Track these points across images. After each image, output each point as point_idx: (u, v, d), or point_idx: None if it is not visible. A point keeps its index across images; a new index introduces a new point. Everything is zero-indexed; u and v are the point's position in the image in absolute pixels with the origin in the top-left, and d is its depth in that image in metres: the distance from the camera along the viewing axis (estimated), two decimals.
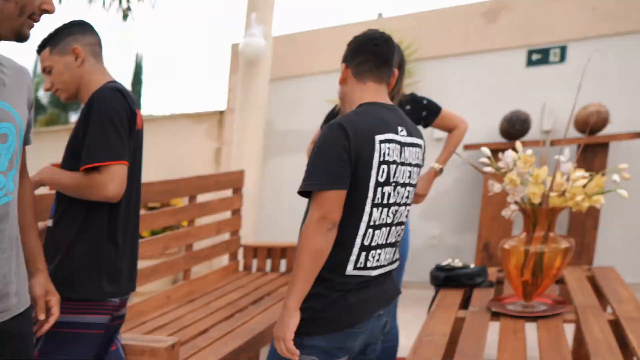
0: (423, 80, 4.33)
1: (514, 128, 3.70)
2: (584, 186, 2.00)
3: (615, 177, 2.05)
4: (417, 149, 1.73)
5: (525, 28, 4.14)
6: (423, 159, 1.78)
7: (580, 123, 3.73)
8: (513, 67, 4.16)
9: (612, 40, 3.99)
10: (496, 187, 2.08)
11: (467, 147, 3.76)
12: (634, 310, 2.17)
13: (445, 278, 2.69)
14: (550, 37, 4.09)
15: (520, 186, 2.00)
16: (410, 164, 1.69)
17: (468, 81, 4.30)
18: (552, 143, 3.72)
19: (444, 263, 2.77)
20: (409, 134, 1.69)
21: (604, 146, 3.71)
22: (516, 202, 2.06)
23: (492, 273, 2.86)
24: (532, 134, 4.07)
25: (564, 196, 1.98)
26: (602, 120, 3.67)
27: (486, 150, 2.15)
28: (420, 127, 2.36)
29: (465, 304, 2.47)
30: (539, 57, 4.13)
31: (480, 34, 4.24)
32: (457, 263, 2.76)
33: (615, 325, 2.06)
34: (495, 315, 2.24)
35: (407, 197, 1.72)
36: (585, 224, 3.75)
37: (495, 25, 4.20)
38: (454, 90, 4.32)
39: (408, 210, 1.77)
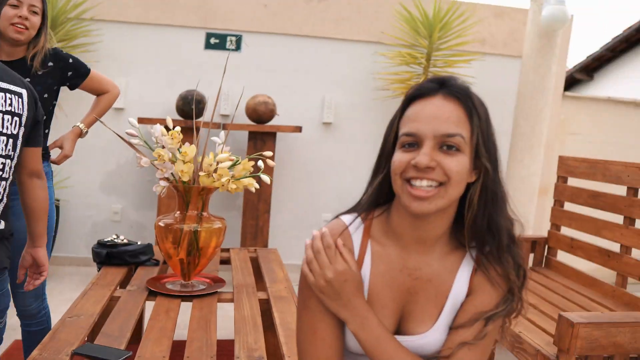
0: (101, 43, 4.07)
1: (189, 107, 3.68)
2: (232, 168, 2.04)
3: (260, 163, 2.14)
4: (11, 95, 1.60)
5: (204, 11, 4.20)
6: (24, 109, 1.65)
7: (250, 111, 3.90)
8: (192, 47, 4.19)
9: (282, 38, 4.30)
10: (143, 161, 1.99)
11: (141, 121, 3.63)
12: (284, 289, 2.31)
13: (107, 255, 2.52)
14: (228, 24, 4.22)
15: (169, 163, 1.95)
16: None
17: (148, 53, 4.17)
18: (224, 127, 3.83)
19: (108, 239, 2.59)
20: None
21: (272, 135, 3.95)
22: (167, 179, 2.00)
23: None
24: (214, 117, 4.15)
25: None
26: (269, 112, 3.90)
27: (133, 121, 2.04)
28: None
29: (127, 283, 2.34)
30: (217, 41, 4.22)
31: (160, 7, 4.15)
32: (122, 239, 2.62)
33: (267, 304, 2.16)
34: (153, 295, 2.16)
35: (3, 149, 1.57)
36: (259, 207, 3.94)
37: (177, 1, 4.16)
38: (133, 59, 4.16)
39: (10, 167, 1.62)
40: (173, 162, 1.95)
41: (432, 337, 1.09)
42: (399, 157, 1.02)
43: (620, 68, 10.80)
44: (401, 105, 1.07)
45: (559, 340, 1.74)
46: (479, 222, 1.05)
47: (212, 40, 4.19)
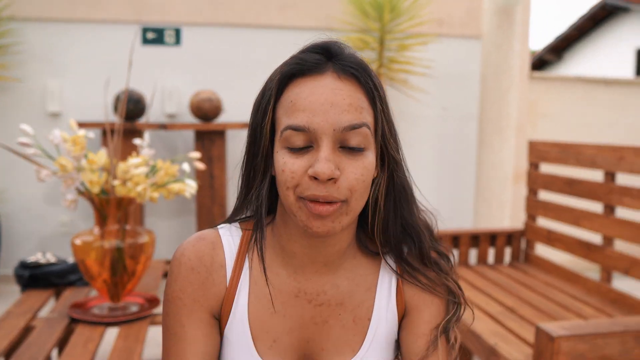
0: (24, 43, 3.73)
1: (128, 108, 3.38)
2: (148, 175, 1.75)
3: (185, 166, 1.87)
4: None
5: (138, 3, 3.88)
6: None
7: (195, 109, 3.61)
8: (128, 43, 3.85)
9: (225, 29, 4.01)
10: (43, 174, 1.69)
11: (81, 125, 3.31)
12: None
13: (30, 277, 2.23)
14: (164, 17, 3.90)
15: (75, 172, 1.65)
16: None
17: (81, 52, 3.84)
18: (167, 127, 3.54)
19: (31, 259, 2.29)
20: None
21: (220, 134, 3.66)
22: (79, 191, 1.71)
23: None
24: (156, 117, 3.85)
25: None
26: (214, 108, 3.61)
27: (26, 128, 1.69)
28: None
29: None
30: (154, 36, 3.90)
31: (86, 2, 3.82)
32: (49, 258, 2.32)
33: None
34: (76, 322, 1.87)
35: None
36: (213, 211, 3.65)
37: None
38: (65, 60, 3.82)
39: None
40: (80, 172, 1.66)
41: None
42: (289, 165, 0.75)
43: (588, 46, 10.73)
44: (276, 85, 0.78)
45: (538, 355, 1.49)
46: (392, 226, 0.83)
47: (149, 35, 3.87)
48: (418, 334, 0.88)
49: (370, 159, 0.77)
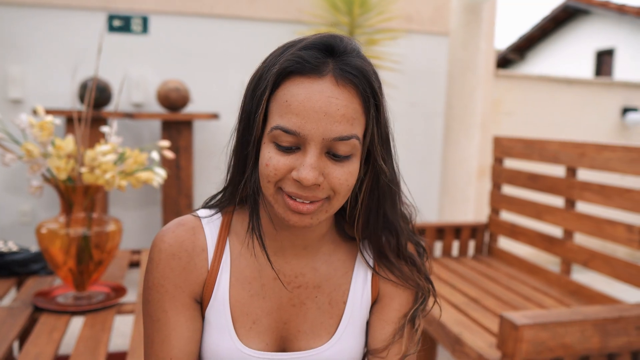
0: None
1: (90, 96, 3.33)
2: (116, 163, 1.73)
3: (155, 154, 1.86)
4: None
5: None
6: None
7: (162, 98, 3.58)
8: (94, 30, 3.78)
9: (194, 19, 3.97)
10: (8, 158, 1.65)
11: (48, 113, 3.23)
12: None
13: None
14: (132, 4, 3.84)
15: (41, 158, 1.63)
16: None
17: (45, 38, 3.74)
18: (133, 116, 3.49)
19: None
20: None
21: (187, 124, 3.63)
22: (45, 178, 1.67)
23: None
24: (122, 106, 3.79)
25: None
26: (182, 98, 3.58)
27: None
28: None
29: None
30: (121, 24, 3.84)
31: None
32: (11, 247, 2.27)
33: None
34: (40, 311, 1.84)
35: None
36: (179, 202, 3.62)
37: None
38: (25, 45, 3.73)
39: None
40: (46, 158, 1.63)
41: (333, 350, 0.87)
42: (274, 161, 0.76)
43: (550, 47, 10.97)
44: (273, 78, 0.77)
45: (502, 343, 1.54)
46: (373, 221, 0.86)
47: (115, 23, 3.80)
48: (387, 321, 0.90)
49: (355, 164, 0.78)
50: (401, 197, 0.90)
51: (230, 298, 0.86)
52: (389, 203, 0.86)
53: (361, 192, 0.84)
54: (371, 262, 0.91)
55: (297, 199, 0.76)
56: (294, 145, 0.76)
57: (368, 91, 0.77)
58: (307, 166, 0.74)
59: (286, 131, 0.74)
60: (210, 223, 0.88)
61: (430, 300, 0.94)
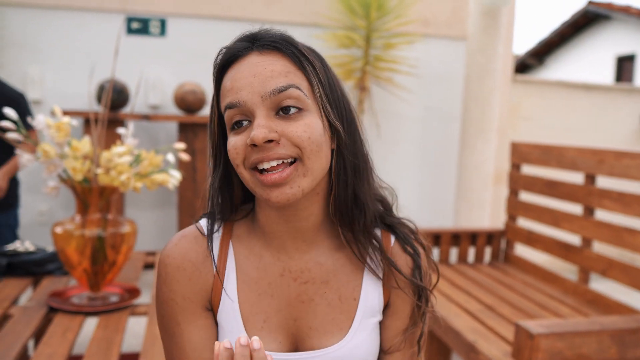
0: (5, 29, 3.67)
1: (111, 98, 3.36)
2: (132, 164, 1.74)
3: (170, 156, 1.86)
4: None
5: None
6: None
7: (179, 101, 3.59)
8: (113, 32, 3.80)
9: (210, 22, 3.98)
10: (25, 159, 1.67)
11: (66, 114, 3.27)
12: None
13: (8, 265, 2.20)
14: (149, 7, 3.86)
15: (58, 159, 1.64)
16: None
17: (65, 40, 3.78)
18: (150, 118, 3.51)
19: (9, 247, 2.26)
20: None
21: (203, 126, 3.64)
22: (62, 178, 1.69)
23: None
24: (139, 107, 3.82)
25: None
26: (198, 101, 3.59)
27: (9, 111, 1.66)
28: None
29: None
30: (139, 26, 3.86)
31: None
32: (28, 247, 2.29)
33: None
34: (55, 311, 1.85)
35: None
36: (195, 204, 3.63)
37: None
38: (47, 47, 3.76)
39: None
40: (63, 158, 1.64)
41: (348, 347, 0.86)
42: (232, 143, 0.78)
43: (569, 52, 10.86)
44: (215, 79, 0.82)
45: (517, 352, 1.51)
46: (342, 196, 0.84)
47: (134, 25, 3.83)
48: (399, 323, 0.91)
49: (311, 119, 0.78)
50: (373, 177, 0.89)
51: (239, 300, 0.86)
52: (357, 177, 0.84)
53: (332, 165, 0.83)
54: (380, 273, 0.90)
55: (265, 167, 0.76)
56: (245, 120, 0.78)
57: (294, 50, 0.79)
58: (255, 127, 0.75)
59: (229, 107, 0.77)
60: (212, 229, 0.88)
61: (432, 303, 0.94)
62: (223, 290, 0.86)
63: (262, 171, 0.76)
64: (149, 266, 2.57)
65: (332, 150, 0.82)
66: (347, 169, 0.83)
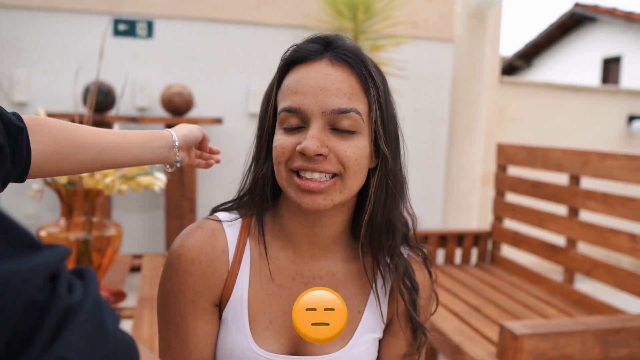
0: None
1: (97, 100, 3.33)
2: None
3: None
4: None
5: None
6: None
7: (166, 103, 3.58)
8: (100, 34, 3.78)
9: (199, 24, 3.96)
10: None
11: (52, 116, 3.24)
12: None
13: None
14: (137, 8, 3.85)
15: None
16: None
17: (48, 41, 3.75)
18: (137, 120, 3.50)
19: None
20: None
21: None
22: (46, 181, 1.68)
23: None
24: (126, 109, 3.80)
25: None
26: (185, 103, 3.59)
27: None
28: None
29: None
30: (126, 28, 3.85)
31: None
32: None
33: None
34: None
35: None
36: (182, 206, 3.62)
37: None
38: (31, 48, 3.73)
39: None
40: None
41: (346, 358, 0.87)
42: (281, 141, 0.80)
43: (556, 54, 10.94)
44: (278, 72, 0.84)
45: (501, 353, 1.52)
46: (379, 218, 0.85)
47: (121, 27, 3.81)
48: (398, 348, 0.92)
49: (362, 141, 0.80)
50: (405, 203, 0.91)
51: (249, 297, 0.86)
52: (393, 200, 0.86)
53: (371, 186, 0.84)
54: (387, 289, 0.91)
55: (307, 176, 0.78)
56: (299, 125, 0.80)
57: (364, 71, 0.81)
58: (309, 137, 0.77)
59: (288, 110, 0.79)
60: (231, 225, 0.89)
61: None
62: (235, 286, 0.86)
63: (301, 175, 0.79)
64: (135, 269, 2.56)
65: (369, 169, 0.84)
66: (387, 192, 0.85)
